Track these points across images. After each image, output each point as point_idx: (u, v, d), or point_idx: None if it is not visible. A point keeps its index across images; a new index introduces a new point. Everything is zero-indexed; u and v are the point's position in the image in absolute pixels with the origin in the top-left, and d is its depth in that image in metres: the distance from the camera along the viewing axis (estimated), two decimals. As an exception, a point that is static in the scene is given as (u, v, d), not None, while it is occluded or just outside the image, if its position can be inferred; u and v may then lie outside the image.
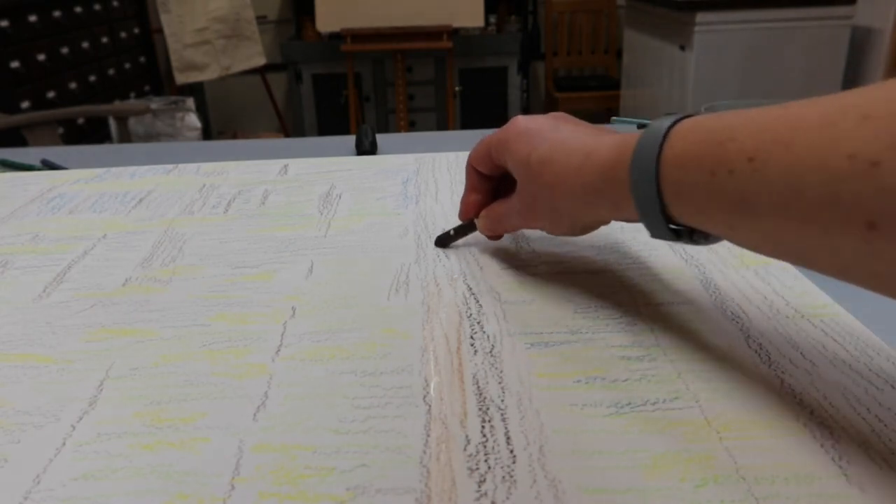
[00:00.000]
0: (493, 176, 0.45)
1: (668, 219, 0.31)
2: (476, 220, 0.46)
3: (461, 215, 0.47)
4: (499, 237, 0.47)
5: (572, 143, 0.37)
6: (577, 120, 0.40)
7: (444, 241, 0.48)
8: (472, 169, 0.45)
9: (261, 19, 3.25)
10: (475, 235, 0.48)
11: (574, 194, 0.36)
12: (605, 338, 0.37)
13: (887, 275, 0.24)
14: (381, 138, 0.85)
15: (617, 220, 0.37)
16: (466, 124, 3.34)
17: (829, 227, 0.24)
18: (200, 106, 3.25)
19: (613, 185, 0.33)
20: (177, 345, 0.37)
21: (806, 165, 0.24)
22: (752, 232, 0.28)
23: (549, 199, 0.38)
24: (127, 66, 3.09)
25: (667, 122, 0.31)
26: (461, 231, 0.48)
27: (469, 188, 0.46)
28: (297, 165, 0.67)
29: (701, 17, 2.32)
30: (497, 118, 3.31)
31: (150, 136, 2.66)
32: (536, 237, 0.49)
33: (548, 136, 0.38)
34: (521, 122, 0.40)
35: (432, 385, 0.33)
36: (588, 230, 0.40)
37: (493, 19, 3.42)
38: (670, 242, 0.37)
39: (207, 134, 3.29)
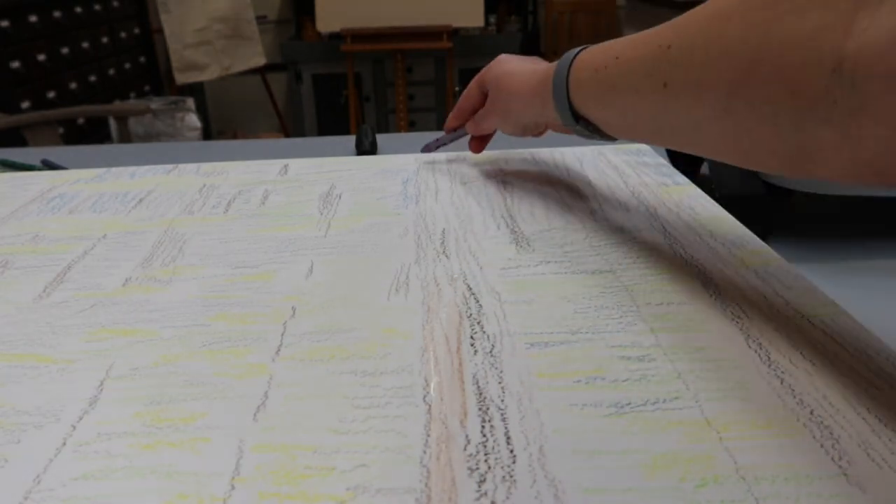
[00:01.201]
0: (476, 106, 0.61)
1: (573, 110, 0.45)
2: (466, 125, 0.62)
3: (448, 126, 0.64)
4: (479, 144, 0.63)
5: (528, 65, 0.53)
6: (545, 62, 0.53)
7: (430, 147, 0.67)
8: (464, 101, 0.61)
9: (261, 19, 3.25)
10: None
11: (521, 96, 0.52)
12: (605, 338, 0.37)
13: (677, 127, 0.36)
14: (381, 138, 0.85)
15: (543, 119, 0.51)
16: (466, 124, 3.33)
17: (642, 90, 0.37)
18: (200, 106, 3.25)
19: (544, 87, 0.48)
20: (177, 345, 0.37)
21: (640, 56, 0.38)
22: (612, 110, 0.42)
23: (506, 101, 0.55)
24: (127, 66, 3.09)
25: (582, 47, 0.45)
26: (447, 139, 0.65)
27: (454, 114, 0.63)
28: (297, 165, 0.67)
29: (701, 17, 2.32)
30: (497, 118, 3.31)
31: (150, 136, 2.66)
32: (536, 237, 0.49)
33: (516, 62, 0.55)
34: (504, 56, 0.57)
35: (432, 385, 0.33)
36: (528, 132, 0.56)
37: (493, 19, 3.42)
38: (671, 245, 0.38)
39: (207, 134, 3.29)
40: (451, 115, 0.63)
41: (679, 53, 0.34)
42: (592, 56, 0.43)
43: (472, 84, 0.60)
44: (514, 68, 0.54)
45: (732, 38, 0.30)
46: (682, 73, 0.34)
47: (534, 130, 0.56)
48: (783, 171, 0.31)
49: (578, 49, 0.45)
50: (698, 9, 0.34)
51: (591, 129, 0.46)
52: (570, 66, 0.44)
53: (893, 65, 0.23)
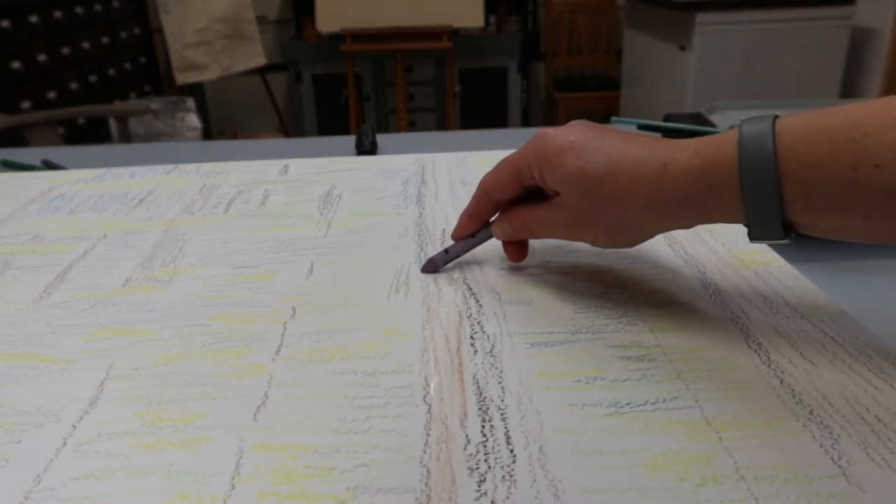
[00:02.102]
0: (505, 202, 0.43)
1: (783, 218, 0.32)
2: (493, 226, 0.44)
3: (457, 233, 0.45)
4: (520, 250, 0.44)
5: (634, 154, 0.36)
6: (610, 127, 0.39)
7: (435, 264, 0.45)
8: (485, 196, 0.43)
9: (261, 19, 3.25)
10: (462, 258, 0.46)
11: (650, 206, 0.35)
12: (605, 338, 0.37)
13: None
14: (381, 138, 0.85)
15: (689, 225, 0.37)
16: (466, 124, 3.34)
17: None
18: (200, 106, 3.25)
19: (710, 193, 0.33)
20: (177, 345, 0.37)
21: None
22: (888, 220, 0.30)
23: (617, 213, 0.37)
24: (127, 66, 3.09)
25: (762, 123, 0.32)
26: (456, 251, 0.45)
27: (471, 211, 0.44)
28: (298, 165, 0.67)
29: (701, 17, 2.32)
30: (497, 118, 3.31)
31: (150, 136, 2.66)
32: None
33: (600, 147, 0.37)
34: (559, 136, 0.38)
35: (432, 385, 0.33)
36: (646, 240, 0.40)
37: (493, 19, 3.42)
38: (671, 245, 0.39)
39: (207, 134, 3.29)
40: (463, 216, 0.44)
41: None
42: (829, 140, 0.30)
43: (504, 175, 0.41)
44: (614, 160, 0.36)
45: None
46: None
47: (648, 239, 0.40)
48: None
49: (767, 123, 0.32)
50: None
51: (793, 238, 0.34)
52: (776, 155, 0.31)
53: None
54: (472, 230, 0.44)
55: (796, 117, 0.31)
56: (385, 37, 2.78)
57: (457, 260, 0.46)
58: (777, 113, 0.32)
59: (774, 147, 0.31)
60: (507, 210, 0.43)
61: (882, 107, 0.29)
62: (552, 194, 0.39)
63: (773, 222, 0.32)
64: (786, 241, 0.33)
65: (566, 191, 0.38)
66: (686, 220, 0.36)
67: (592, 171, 0.36)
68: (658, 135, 0.74)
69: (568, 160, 0.37)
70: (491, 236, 0.44)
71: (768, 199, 0.32)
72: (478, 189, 0.43)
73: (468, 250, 0.45)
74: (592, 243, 0.40)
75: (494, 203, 0.43)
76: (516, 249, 0.44)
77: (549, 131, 0.39)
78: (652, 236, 0.39)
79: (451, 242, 0.45)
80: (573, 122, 0.40)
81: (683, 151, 0.34)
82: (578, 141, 0.37)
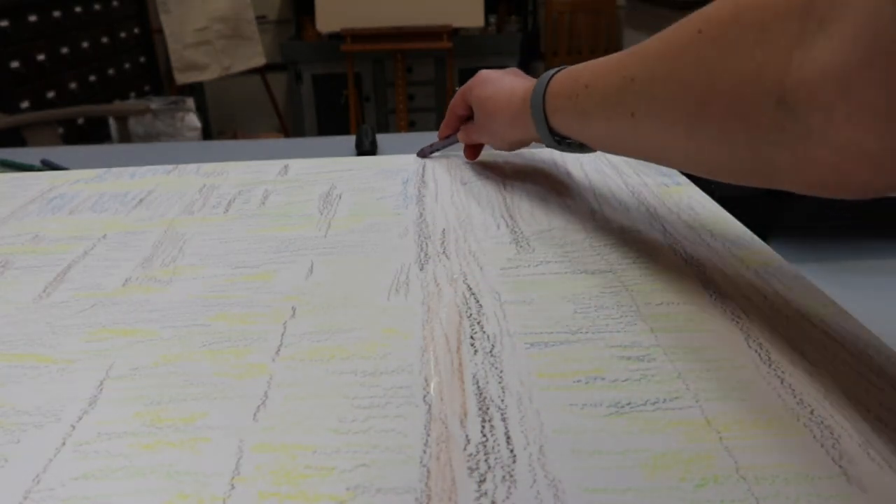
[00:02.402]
0: (464, 115, 0.63)
1: (552, 130, 0.48)
2: (458, 134, 0.64)
3: (440, 135, 0.67)
4: (473, 151, 0.66)
5: (507, 85, 0.55)
6: (522, 73, 0.57)
7: (425, 152, 0.68)
8: (451, 112, 0.64)
9: (261, 19, 3.25)
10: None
11: (503, 119, 0.55)
12: (605, 338, 0.37)
13: (647, 148, 0.40)
14: (381, 138, 0.85)
15: (528, 138, 0.54)
16: (466, 124, 3.33)
17: (613, 118, 0.40)
18: (200, 106, 3.25)
19: (523, 110, 0.50)
20: (177, 345, 0.37)
21: (608, 87, 0.40)
22: (594, 132, 0.44)
23: (490, 123, 0.57)
24: (127, 66, 3.09)
25: (552, 71, 0.48)
26: (440, 146, 0.67)
27: (445, 123, 0.65)
28: (298, 165, 0.67)
29: (701, 17, 2.31)
30: (497, 118, 3.30)
31: (150, 136, 2.66)
32: (536, 237, 0.49)
33: (496, 81, 0.57)
34: (484, 73, 0.59)
35: (432, 385, 0.33)
36: (514, 147, 0.59)
37: (493, 19, 3.42)
38: (671, 245, 0.38)
39: (207, 134, 3.28)
40: (443, 123, 0.66)
41: (642, 86, 0.37)
42: (564, 83, 0.46)
43: (458, 97, 0.62)
44: (494, 91, 0.56)
45: (687, 73, 0.33)
46: (645, 104, 0.37)
47: (522, 146, 0.59)
48: (747, 183, 0.34)
49: (552, 72, 0.48)
50: (657, 39, 0.36)
51: (573, 146, 0.49)
52: (545, 91, 0.47)
53: (828, 97, 0.26)
54: (448, 133, 0.66)
55: (565, 69, 0.47)
56: (385, 37, 2.78)
57: (457, 259, 0.46)
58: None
59: (548, 83, 0.47)
60: (464, 126, 0.63)
61: (605, 59, 0.42)
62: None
63: (545, 132, 0.48)
64: (564, 148, 0.49)
65: (474, 108, 0.59)
66: (518, 129, 0.53)
67: (484, 96, 0.57)
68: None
69: (477, 89, 0.58)
70: (458, 140, 0.65)
71: (540, 118, 0.48)
72: (449, 108, 0.64)
73: (447, 146, 0.67)
74: (491, 145, 0.61)
75: (458, 116, 0.64)
76: (470, 151, 0.66)
77: (482, 70, 0.59)
78: (517, 143, 0.57)
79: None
80: (507, 69, 0.59)
81: (524, 86, 0.52)
82: (490, 77, 0.58)
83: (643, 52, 0.37)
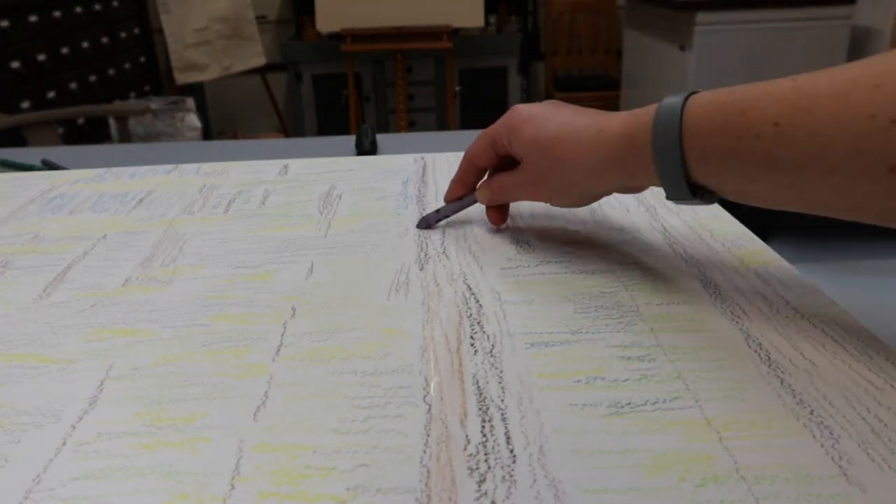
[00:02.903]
0: (485, 168, 0.49)
1: (688, 181, 0.36)
2: (476, 192, 0.50)
3: (447, 197, 0.52)
4: (500, 214, 0.50)
5: (579, 122, 0.41)
6: (572, 105, 0.45)
7: (428, 221, 0.51)
8: (468, 164, 0.49)
9: (261, 19, 3.25)
10: (455, 217, 0.52)
11: (587, 166, 0.41)
12: (605, 338, 0.37)
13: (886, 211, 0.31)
14: (381, 138, 0.85)
15: (626, 187, 0.42)
16: (466, 124, 3.34)
17: (852, 176, 0.30)
18: (200, 106, 3.25)
19: (630, 155, 0.38)
20: (177, 345, 0.37)
21: (830, 126, 0.30)
22: (773, 185, 0.33)
23: (561, 173, 0.42)
24: (127, 66, 3.09)
25: (678, 97, 0.36)
26: (451, 210, 0.51)
27: (458, 178, 0.50)
28: (297, 165, 0.67)
29: (701, 17, 2.32)
30: (497, 118, 3.30)
31: (150, 136, 2.66)
32: (536, 237, 0.49)
33: (552, 117, 0.43)
34: (524, 109, 0.45)
35: (432, 385, 0.33)
36: (593, 200, 0.45)
37: (493, 19, 3.42)
38: (671, 245, 0.40)
39: (207, 134, 3.28)
40: (452, 182, 0.51)
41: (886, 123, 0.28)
42: (723, 112, 0.34)
43: (481, 145, 0.48)
44: (560, 129, 0.42)
45: None
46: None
47: (600, 198, 0.45)
48: None
49: (680, 97, 0.36)
50: None
51: (707, 199, 0.37)
52: (682, 124, 0.35)
53: None
54: (459, 194, 0.51)
55: (708, 93, 0.35)
56: (385, 37, 2.78)
57: (457, 259, 0.46)
58: (700, 90, 0.36)
59: (681, 117, 0.35)
60: (489, 177, 0.49)
61: (775, 85, 0.33)
62: (519, 160, 0.45)
63: (680, 183, 0.36)
64: (698, 202, 0.37)
65: (525, 155, 0.44)
66: (616, 178, 0.40)
67: (544, 137, 0.42)
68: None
69: (526, 129, 0.43)
70: (476, 200, 0.50)
71: (673, 162, 0.36)
72: (463, 158, 0.50)
73: (457, 211, 0.51)
74: (549, 202, 0.46)
75: (477, 169, 0.49)
76: (496, 213, 0.50)
77: (518, 106, 0.45)
78: (596, 196, 0.44)
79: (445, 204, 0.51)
80: (546, 101, 0.46)
81: (616, 119, 0.40)
82: (538, 113, 0.44)
83: (883, 73, 0.29)
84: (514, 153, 0.45)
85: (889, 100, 0.29)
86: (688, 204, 0.38)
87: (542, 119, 0.43)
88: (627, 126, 0.38)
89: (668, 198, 0.38)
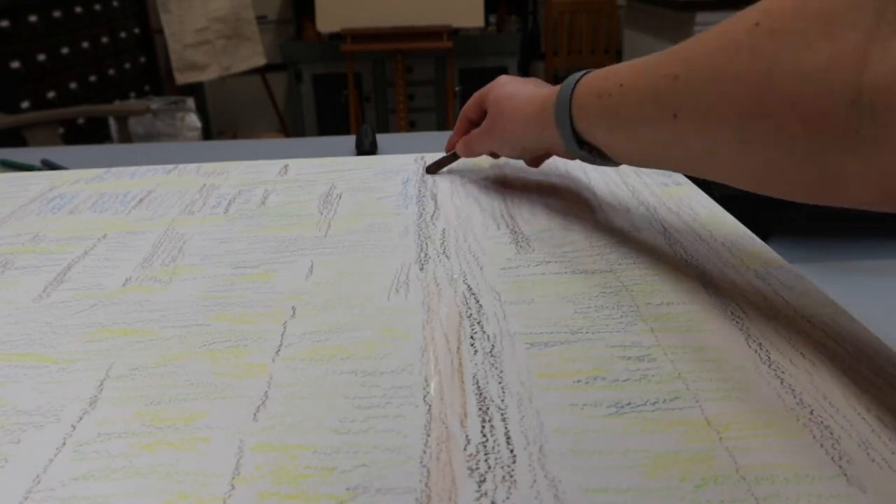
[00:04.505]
0: (475, 121, 0.59)
1: (576, 135, 0.44)
2: (457, 145, 0.61)
3: (447, 148, 0.64)
4: (473, 156, 0.61)
5: (529, 87, 0.52)
6: (546, 83, 0.53)
7: (434, 168, 0.63)
8: (463, 117, 0.60)
9: (261, 19, 3.25)
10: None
11: (517, 120, 0.52)
12: (605, 338, 0.37)
13: (689, 156, 0.36)
14: (381, 138, 0.85)
15: (546, 143, 0.50)
16: (466, 124, 3.33)
17: (655, 124, 0.36)
18: (200, 106, 3.25)
19: (544, 110, 0.47)
20: (177, 345, 0.37)
21: (642, 87, 0.37)
22: (624, 139, 0.41)
23: (503, 124, 0.54)
24: (127, 66, 3.09)
25: (583, 71, 0.45)
26: (447, 160, 0.63)
27: (456, 130, 0.61)
28: (297, 165, 0.67)
29: (701, 17, 2.32)
30: (497, 118, 3.30)
31: (150, 136, 2.66)
32: (536, 237, 0.49)
33: (518, 86, 0.53)
34: (505, 77, 0.56)
35: (432, 385, 0.33)
36: (528, 154, 0.56)
37: (493, 19, 3.42)
38: (671, 245, 0.38)
39: (207, 134, 3.29)
40: (454, 131, 0.62)
41: (687, 84, 0.33)
42: (595, 82, 0.42)
43: (472, 100, 0.59)
44: (515, 90, 0.52)
45: (741, 70, 0.30)
46: (692, 104, 0.33)
47: (532, 154, 0.55)
48: (804, 198, 0.31)
49: (581, 73, 0.44)
50: (703, 37, 0.33)
51: (595, 155, 0.44)
52: (573, 91, 0.43)
53: None
54: (458, 140, 0.61)
55: (605, 67, 0.42)
56: (385, 37, 2.78)
57: (457, 259, 0.46)
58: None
59: (575, 85, 0.44)
60: (465, 136, 0.60)
61: (641, 59, 0.39)
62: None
63: (569, 136, 0.44)
64: (586, 154, 0.45)
65: (489, 110, 0.56)
66: (535, 132, 0.49)
67: (502, 95, 0.54)
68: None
69: (497, 90, 0.55)
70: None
71: (564, 119, 0.44)
72: (460, 114, 0.61)
73: (457, 159, 0.63)
74: (499, 152, 0.57)
75: (470, 122, 0.60)
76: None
77: (503, 76, 0.56)
78: (527, 149, 0.54)
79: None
80: (530, 78, 0.55)
81: (548, 89, 0.49)
82: (511, 81, 0.54)
83: (688, 48, 0.34)
84: (486, 108, 0.56)
85: (676, 62, 0.35)
86: (582, 159, 0.46)
87: (511, 85, 0.54)
88: (550, 91, 0.47)
89: (565, 148, 0.46)
